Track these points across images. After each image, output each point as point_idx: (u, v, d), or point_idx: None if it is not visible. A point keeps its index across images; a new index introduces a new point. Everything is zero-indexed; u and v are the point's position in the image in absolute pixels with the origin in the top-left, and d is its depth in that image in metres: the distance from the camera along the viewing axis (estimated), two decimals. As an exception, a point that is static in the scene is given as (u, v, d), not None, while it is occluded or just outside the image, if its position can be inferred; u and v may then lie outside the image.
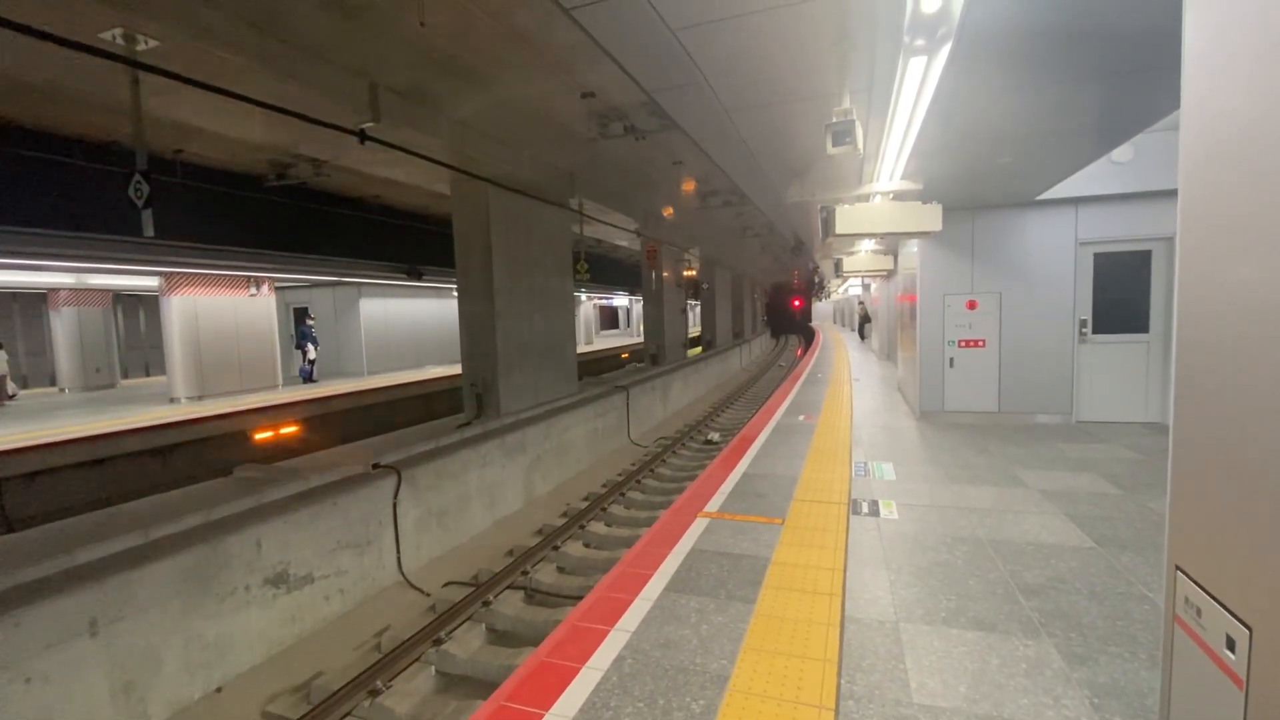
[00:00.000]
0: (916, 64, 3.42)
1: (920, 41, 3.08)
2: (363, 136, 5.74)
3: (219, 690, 4.36)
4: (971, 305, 7.73)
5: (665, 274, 16.51)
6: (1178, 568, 1.38)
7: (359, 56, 5.84)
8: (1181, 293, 1.36)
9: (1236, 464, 1.17)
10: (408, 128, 6.66)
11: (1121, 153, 6.45)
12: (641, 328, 19.44)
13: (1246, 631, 1.14)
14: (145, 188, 4.90)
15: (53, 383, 16.61)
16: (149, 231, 4.94)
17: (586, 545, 6.83)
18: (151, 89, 5.26)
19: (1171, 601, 1.40)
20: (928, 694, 2.46)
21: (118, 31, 4.65)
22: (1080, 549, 3.81)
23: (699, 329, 25.63)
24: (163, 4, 4.55)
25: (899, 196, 6.43)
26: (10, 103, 6.86)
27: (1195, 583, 1.31)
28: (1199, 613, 1.29)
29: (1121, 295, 7.22)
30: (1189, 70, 1.32)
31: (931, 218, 6.10)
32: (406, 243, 13.96)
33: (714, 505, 4.75)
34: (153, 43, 4.82)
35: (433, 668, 4.54)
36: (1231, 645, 1.18)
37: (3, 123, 7.35)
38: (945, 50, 3.10)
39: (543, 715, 2.36)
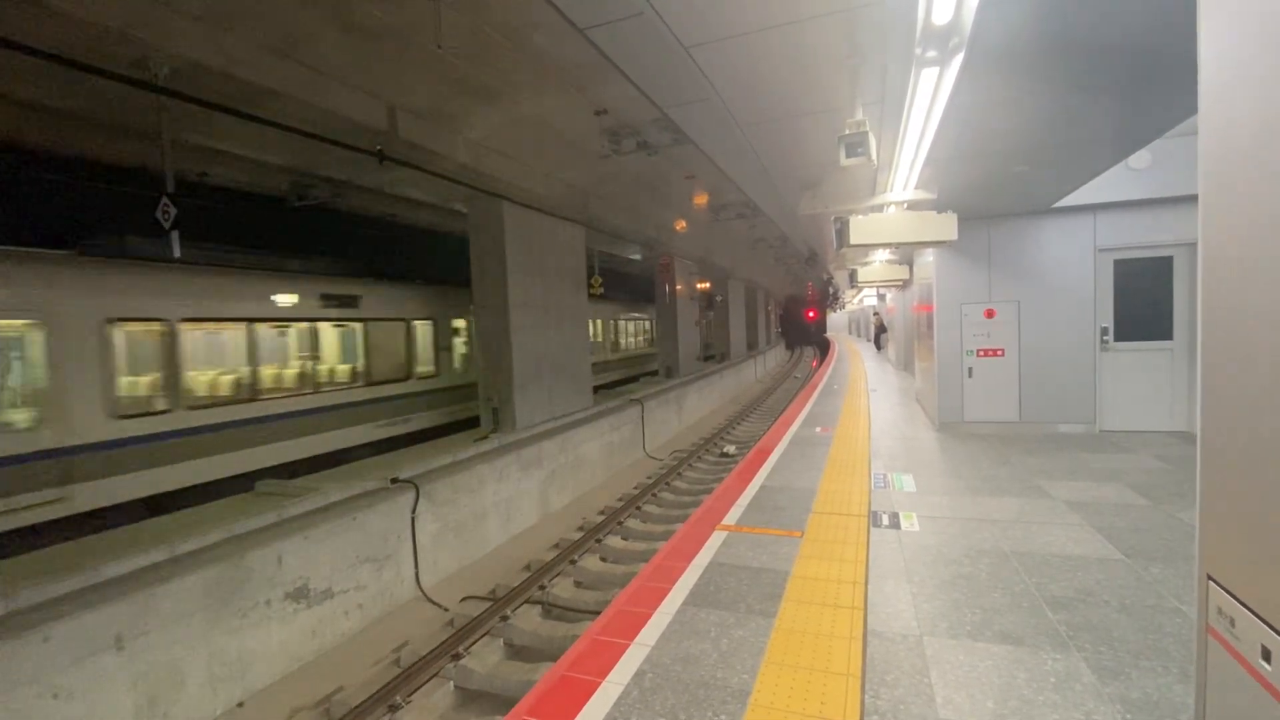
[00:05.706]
0: (929, 75, 3.44)
1: (932, 53, 3.11)
2: (381, 156, 5.88)
3: (241, 705, 4.40)
4: (989, 314, 7.66)
5: (679, 287, 16.55)
6: (1209, 577, 1.35)
7: (377, 79, 5.99)
8: (1205, 298, 1.35)
9: (1267, 470, 1.15)
10: (425, 147, 6.79)
11: (1139, 159, 6.39)
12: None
13: (1283, 642, 1.11)
14: (172, 210, 5.03)
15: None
16: (176, 252, 5.07)
17: (604, 559, 6.81)
18: (177, 114, 5.43)
19: (1204, 612, 1.37)
20: (954, 709, 2.42)
21: (147, 61, 4.81)
22: (1108, 560, 3.73)
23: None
24: (189, 34, 4.70)
25: (913, 206, 6.41)
26: (41, 128, 7.10)
27: (1228, 592, 1.28)
28: (1232, 623, 1.26)
29: (1143, 302, 7.11)
30: (1205, 75, 1.32)
31: (947, 227, 6.06)
32: (424, 259, 14.16)
33: (732, 518, 4.72)
34: (180, 70, 4.98)
35: (451, 683, 4.54)
36: (1267, 656, 1.15)
37: (31, 147, 7.60)
38: (957, 61, 3.12)
39: (563, 730, 2.35)
